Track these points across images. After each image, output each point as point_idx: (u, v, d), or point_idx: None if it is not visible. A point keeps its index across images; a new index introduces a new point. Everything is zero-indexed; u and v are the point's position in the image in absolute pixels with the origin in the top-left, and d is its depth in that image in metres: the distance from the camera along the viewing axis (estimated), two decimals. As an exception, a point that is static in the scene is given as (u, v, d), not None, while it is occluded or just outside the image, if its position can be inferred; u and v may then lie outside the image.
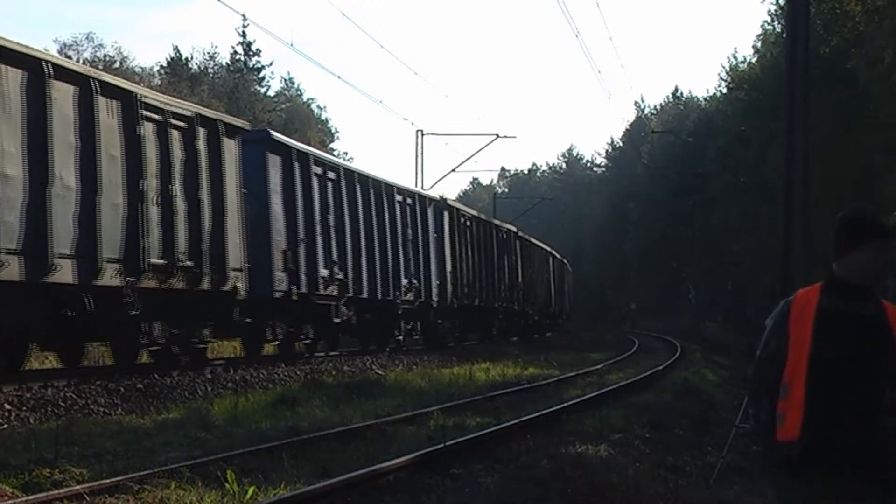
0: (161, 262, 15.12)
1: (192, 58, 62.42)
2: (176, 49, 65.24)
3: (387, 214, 24.77)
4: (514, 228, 39.69)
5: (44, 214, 12.74)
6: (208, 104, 38.92)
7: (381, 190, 24.55)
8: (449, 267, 29.54)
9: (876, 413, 3.41)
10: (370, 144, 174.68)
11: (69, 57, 46.06)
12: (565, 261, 58.39)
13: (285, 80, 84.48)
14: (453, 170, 56.63)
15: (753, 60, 48.49)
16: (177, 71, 58.74)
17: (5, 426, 11.00)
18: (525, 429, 11.32)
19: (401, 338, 26.30)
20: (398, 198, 25.81)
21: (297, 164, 20.01)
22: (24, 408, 11.87)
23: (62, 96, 13.27)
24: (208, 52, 64.36)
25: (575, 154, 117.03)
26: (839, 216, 3.62)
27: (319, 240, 20.69)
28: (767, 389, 3.56)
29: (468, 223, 32.45)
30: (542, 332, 45.43)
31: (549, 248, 50.03)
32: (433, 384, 18.31)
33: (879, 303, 3.55)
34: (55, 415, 11.87)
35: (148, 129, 15.08)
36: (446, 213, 30.05)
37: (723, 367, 26.69)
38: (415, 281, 26.35)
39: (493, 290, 34.95)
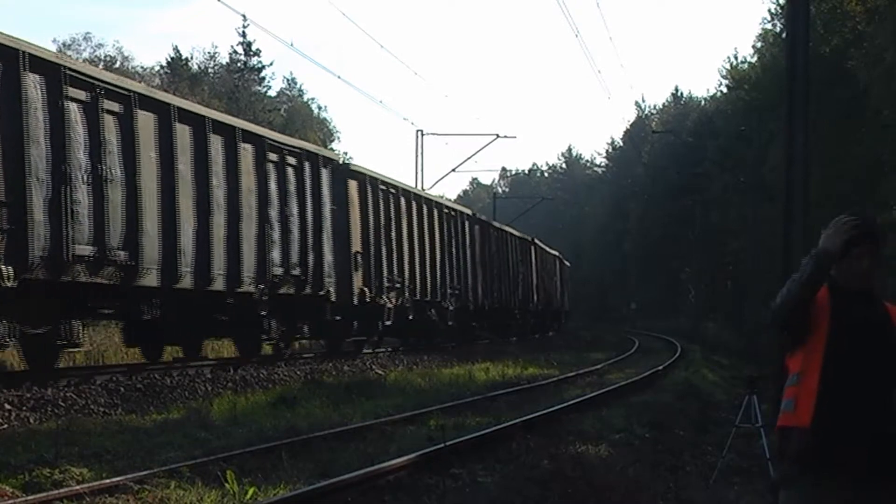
0: None
1: (192, 58, 62.57)
2: (176, 49, 65.42)
3: None
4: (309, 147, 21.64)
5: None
6: (208, 104, 38.95)
7: None
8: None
9: (886, 415, 3.43)
10: (370, 144, 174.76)
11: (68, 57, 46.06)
12: (535, 240, 45.21)
13: (287, 79, 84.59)
14: (453, 170, 56.89)
15: (753, 60, 48.50)
16: (177, 71, 58.79)
17: (5, 426, 11.00)
18: (525, 429, 11.31)
19: None
20: None
21: None
22: (24, 408, 11.87)
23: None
24: (208, 52, 64.56)
25: (575, 154, 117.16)
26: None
27: None
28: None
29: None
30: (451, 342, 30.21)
31: (487, 220, 36.42)
32: (433, 384, 18.30)
33: (884, 306, 3.60)
34: (55, 415, 11.87)
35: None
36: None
37: (723, 367, 26.71)
38: None
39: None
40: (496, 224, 38.58)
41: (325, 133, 67.42)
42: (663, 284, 73.55)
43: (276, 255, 18.63)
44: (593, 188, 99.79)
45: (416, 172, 47.44)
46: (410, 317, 25.99)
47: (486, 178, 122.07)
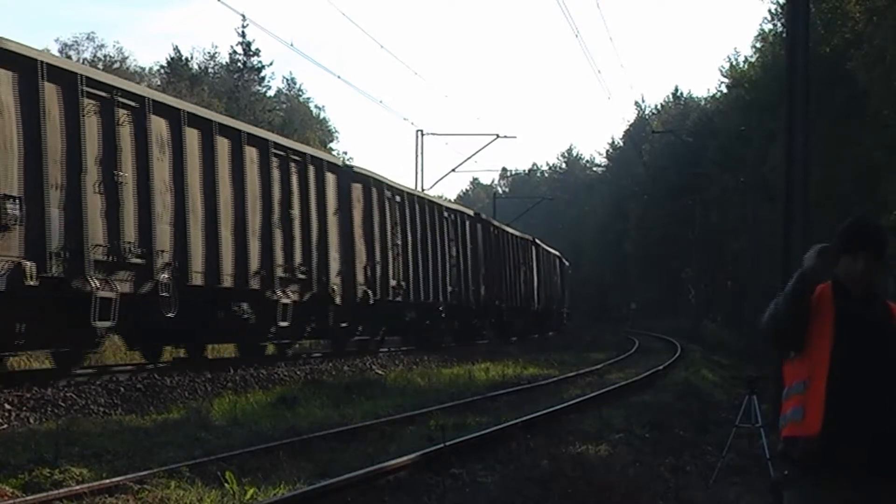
0: None
1: (192, 58, 62.53)
2: (176, 49, 65.40)
3: None
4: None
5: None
6: (208, 104, 38.94)
7: None
8: None
9: (888, 415, 3.43)
10: (370, 144, 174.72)
11: (69, 57, 46.13)
12: (486, 217, 36.18)
13: (287, 80, 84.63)
14: (453, 170, 56.90)
15: (753, 60, 48.48)
16: (177, 71, 58.72)
17: (5, 426, 11.00)
18: (525, 429, 11.32)
19: None
20: None
21: None
22: (24, 408, 11.87)
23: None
24: (208, 52, 64.52)
25: (575, 154, 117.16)
26: (844, 223, 3.66)
27: None
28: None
29: None
30: None
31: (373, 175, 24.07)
32: (433, 384, 18.31)
33: (885, 304, 3.61)
34: (55, 415, 11.87)
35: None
36: None
37: (723, 367, 26.70)
38: None
39: None
40: (397, 184, 25.83)
41: (324, 133, 67.41)
42: (663, 284, 73.60)
43: None
44: (593, 188, 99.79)
45: (416, 172, 47.48)
46: (172, 314, 15.55)
47: (486, 178, 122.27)
